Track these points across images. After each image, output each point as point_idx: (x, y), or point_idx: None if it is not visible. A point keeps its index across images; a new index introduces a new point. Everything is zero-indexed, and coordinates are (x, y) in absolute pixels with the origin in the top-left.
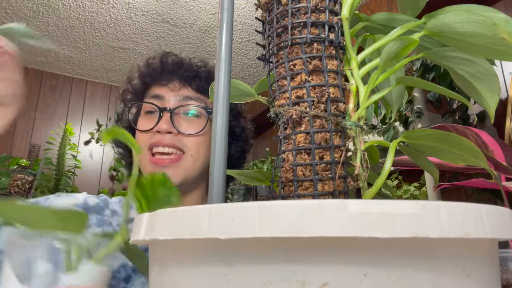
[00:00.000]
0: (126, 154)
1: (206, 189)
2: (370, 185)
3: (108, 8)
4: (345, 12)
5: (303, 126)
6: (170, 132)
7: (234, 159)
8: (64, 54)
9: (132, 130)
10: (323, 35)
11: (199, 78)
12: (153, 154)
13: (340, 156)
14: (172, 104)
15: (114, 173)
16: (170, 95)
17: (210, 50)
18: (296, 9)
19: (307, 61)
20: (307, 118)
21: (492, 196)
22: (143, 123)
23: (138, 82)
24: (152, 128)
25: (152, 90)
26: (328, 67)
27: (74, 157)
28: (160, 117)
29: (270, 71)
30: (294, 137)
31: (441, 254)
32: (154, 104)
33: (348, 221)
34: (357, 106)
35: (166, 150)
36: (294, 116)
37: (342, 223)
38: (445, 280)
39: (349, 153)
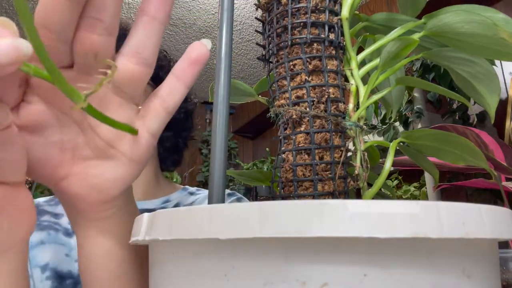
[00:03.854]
0: None
1: (157, 166)
2: (370, 185)
3: None
4: (345, 12)
5: (303, 126)
6: None
7: (181, 121)
8: None
9: None
10: (323, 35)
11: (161, 69)
12: None
13: (340, 156)
14: None
15: None
16: None
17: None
18: (296, 9)
19: (307, 61)
20: (307, 118)
21: (492, 196)
22: None
23: None
24: None
25: None
26: (328, 67)
27: None
28: None
29: (270, 71)
30: (294, 137)
31: (441, 254)
32: None
33: (348, 221)
34: (357, 106)
35: None
36: (294, 116)
37: (342, 223)
38: (445, 280)
39: (349, 153)
